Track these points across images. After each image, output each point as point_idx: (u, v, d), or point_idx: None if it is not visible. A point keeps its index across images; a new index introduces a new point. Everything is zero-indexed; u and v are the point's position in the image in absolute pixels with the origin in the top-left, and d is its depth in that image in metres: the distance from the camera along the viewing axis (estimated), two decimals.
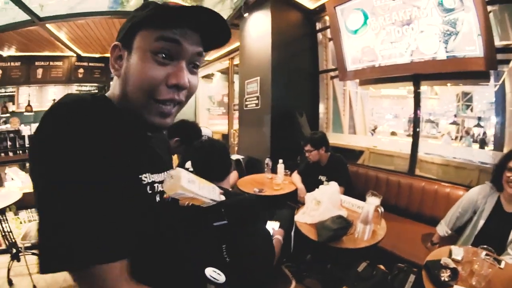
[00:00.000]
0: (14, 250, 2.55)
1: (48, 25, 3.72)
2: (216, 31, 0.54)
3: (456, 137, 8.96)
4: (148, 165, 0.56)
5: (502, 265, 1.31)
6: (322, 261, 2.06)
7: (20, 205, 2.69)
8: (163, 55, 0.49)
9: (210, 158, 1.11)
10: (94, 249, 0.40)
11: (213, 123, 7.00)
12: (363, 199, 1.94)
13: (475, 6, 2.11)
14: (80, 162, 0.40)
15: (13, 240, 2.59)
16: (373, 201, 1.67)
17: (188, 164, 1.15)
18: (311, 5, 3.47)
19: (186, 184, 0.52)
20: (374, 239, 1.63)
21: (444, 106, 11.15)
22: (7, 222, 2.54)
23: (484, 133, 7.82)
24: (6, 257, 2.59)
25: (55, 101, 0.46)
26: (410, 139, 3.00)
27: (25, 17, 3.49)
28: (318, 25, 3.77)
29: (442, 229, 1.88)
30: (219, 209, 0.60)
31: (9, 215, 2.74)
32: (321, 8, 3.40)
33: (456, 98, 10.68)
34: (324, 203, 1.77)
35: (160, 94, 0.50)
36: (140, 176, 0.52)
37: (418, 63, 2.57)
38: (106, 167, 0.43)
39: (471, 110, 10.49)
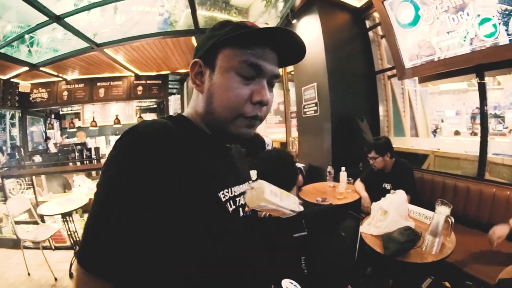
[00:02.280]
0: (77, 248, 2.83)
1: (106, 50, 4.12)
2: (293, 50, 0.56)
3: None
4: (229, 178, 0.58)
5: None
6: (383, 275, 1.92)
7: (86, 208, 2.98)
8: (246, 74, 0.52)
9: (277, 169, 1.10)
10: (107, 260, 0.40)
11: (271, 132, 7.07)
12: (429, 208, 1.80)
13: None
14: (139, 183, 0.42)
15: (78, 239, 2.88)
16: (443, 211, 1.51)
17: (253, 174, 1.15)
18: (357, 3, 3.35)
19: (269, 196, 0.52)
20: (442, 253, 1.48)
21: (509, 96, 9.80)
22: (73, 223, 2.84)
23: None
24: (70, 253, 2.94)
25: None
26: (475, 138, 2.69)
27: (84, 44, 3.92)
28: (368, 23, 3.61)
29: None
30: (300, 220, 0.59)
31: (75, 216, 3.08)
32: (368, 5, 3.26)
33: None
34: (391, 213, 1.64)
35: (246, 112, 0.53)
36: (219, 194, 0.52)
37: (480, 51, 2.29)
38: (173, 189, 0.44)
39: None
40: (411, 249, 1.47)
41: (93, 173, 4.12)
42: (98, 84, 5.62)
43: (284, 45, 0.54)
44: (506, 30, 2.09)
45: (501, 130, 8.34)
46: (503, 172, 2.78)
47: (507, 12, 2.05)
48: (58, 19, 3.10)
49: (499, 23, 2.11)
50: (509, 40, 2.09)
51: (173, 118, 0.56)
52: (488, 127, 2.67)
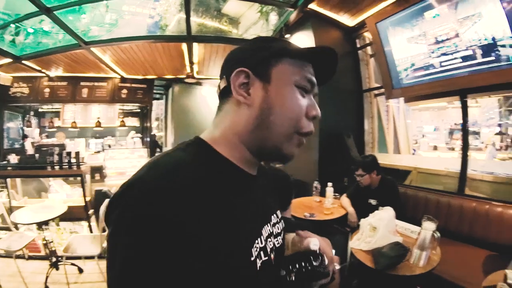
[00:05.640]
0: (54, 259, 2.64)
1: (93, 49, 3.99)
2: (326, 72, 0.58)
3: (501, 147, 8.31)
4: (261, 220, 0.54)
5: None
6: (370, 287, 1.95)
7: (64, 217, 2.80)
8: (303, 89, 0.52)
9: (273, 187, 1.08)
10: None
11: None
12: (413, 222, 1.91)
13: None
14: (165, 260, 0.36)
15: (54, 249, 2.70)
16: (429, 226, 1.60)
17: None
18: (351, 23, 3.45)
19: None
20: (429, 265, 1.57)
21: (486, 113, 10.46)
22: (50, 232, 2.69)
23: None
24: (45, 264, 2.70)
25: (133, 177, 0.42)
26: (452, 154, 2.84)
27: (71, 40, 3.74)
28: (358, 42, 3.74)
29: None
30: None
31: (51, 224, 2.90)
32: (360, 25, 3.38)
33: (498, 103, 10.00)
34: (381, 229, 1.70)
35: (303, 127, 0.51)
36: (252, 250, 0.47)
37: (465, 77, 2.46)
38: (202, 261, 0.38)
39: None
40: (401, 263, 1.53)
41: (71, 178, 3.93)
42: (82, 83, 5.38)
43: (323, 66, 0.55)
44: (491, 59, 2.27)
45: (477, 145, 8.89)
46: (481, 187, 2.93)
47: (490, 42, 2.24)
48: (48, 11, 2.95)
49: (484, 52, 2.30)
50: (493, 67, 2.27)
51: (194, 150, 0.49)
52: (468, 145, 2.81)
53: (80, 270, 2.74)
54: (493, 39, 2.20)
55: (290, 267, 0.52)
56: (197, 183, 0.42)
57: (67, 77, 5.33)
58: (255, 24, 3.90)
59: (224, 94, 0.53)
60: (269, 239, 0.54)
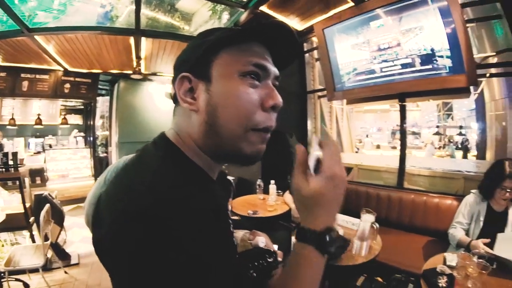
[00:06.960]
0: None
1: (37, 37, 3.61)
2: (286, 51, 0.52)
3: (440, 147, 9.31)
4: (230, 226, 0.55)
5: (495, 265, 1.40)
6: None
7: (2, 226, 2.56)
8: (252, 76, 0.45)
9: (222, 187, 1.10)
10: None
11: None
12: (356, 215, 2.01)
13: (458, 32, 2.27)
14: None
15: None
16: (368, 218, 1.73)
17: None
18: (300, 27, 3.52)
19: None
20: (371, 254, 1.71)
21: (426, 116, 11.67)
22: None
23: (467, 140, 8.14)
24: None
25: (122, 203, 0.38)
26: (395, 152, 3.14)
27: (13, 25, 3.31)
28: (306, 46, 3.87)
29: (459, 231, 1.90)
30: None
31: None
32: (309, 30, 3.47)
33: (437, 108, 11.19)
34: None
35: (259, 122, 0.46)
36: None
37: (403, 82, 2.71)
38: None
39: (452, 118, 11.01)
40: (342, 254, 1.64)
41: (9, 183, 3.54)
42: (22, 75, 4.79)
43: (277, 44, 0.49)
44: (428, 67, 2.52)
45: (417, 144, 9.90)
46: (419, 180, 3.27)
47: (428, 53, 2.48)
48: None
49: (422, 61, 2.54)
50: (429, 75, 2.52)
51: (169, 154, 0.46)
52: (406, 143, 3.12)
53: (26, 286, 2.48)
54: (432, 50, 2.44)
55: (250, 265, 0.60)
56: (189, 201, 0.39)
57: (6, 67, 4.71)
58: (207, 22, 3.86)
59: (176, 101, 0.49)
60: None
